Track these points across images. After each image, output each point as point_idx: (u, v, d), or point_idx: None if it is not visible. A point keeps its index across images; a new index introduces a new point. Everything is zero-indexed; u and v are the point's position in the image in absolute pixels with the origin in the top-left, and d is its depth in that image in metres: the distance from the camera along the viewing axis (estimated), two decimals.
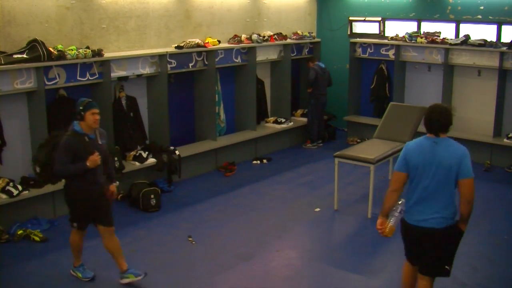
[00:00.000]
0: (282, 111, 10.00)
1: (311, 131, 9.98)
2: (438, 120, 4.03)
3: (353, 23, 10.62)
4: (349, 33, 10.69)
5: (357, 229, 6.64)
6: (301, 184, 8.09)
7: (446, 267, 4.17)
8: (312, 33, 10.58)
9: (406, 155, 4.14)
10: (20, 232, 6.07)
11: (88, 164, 4.81)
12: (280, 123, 9.76)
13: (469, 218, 4.08)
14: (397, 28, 10.06)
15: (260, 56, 9.37)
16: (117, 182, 5.41)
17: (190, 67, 8.23)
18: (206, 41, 8.37)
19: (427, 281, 4.22)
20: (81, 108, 4.85)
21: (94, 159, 4.84)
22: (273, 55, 9.75)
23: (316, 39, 10.56)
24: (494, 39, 8.86)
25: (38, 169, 5.15)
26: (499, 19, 8.89)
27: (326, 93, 9.90)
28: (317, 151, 9.85)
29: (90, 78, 6.94)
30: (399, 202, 4.27)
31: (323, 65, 9.91)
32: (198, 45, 8.13)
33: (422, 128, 8.24)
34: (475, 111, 9.20)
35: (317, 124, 9.96)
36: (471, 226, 4.57)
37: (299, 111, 10.53)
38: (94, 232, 6.34)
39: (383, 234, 4.30)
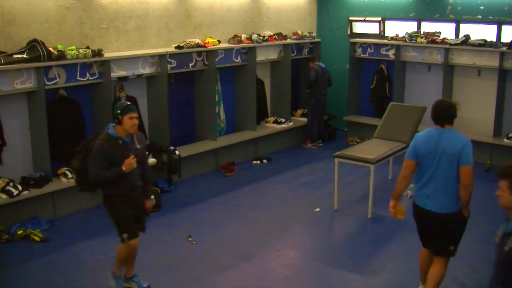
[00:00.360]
0: (282, 111, 10.00)
1: (311, 131, 9.98)
2: (443, 113, 4.42)
3: (353, 23, 10.62)
4: (349, 33, 10.69)
5: (357, 229, 6.64)
6: (301, 184, 8.09)
7: (451, 247, 4.48)
8: (312, 33, 10.58)
9: (415, 144, 4.51)
10: (20, 232, 6.06)
11: (123, 168, 4.54)
12: (280, 123, 9.76)
13: (469, 203, 4.38)
14: (397, 28, 10.05)
15: (260, 56, 9.37)
16: (153, 197, 5.09)
17: (190, 67, 8.23)
18: (206, 41, 8.37)
19: (440, 262, 4.56)
20: (118, 112, 4.58)
21: (130, 162, 4.56)
22: (273, 55, 9.75)
23: (316, 39, 10.56)
24: (494, 39, 8.86)
25: (75, 176, 4.94)
26: (499, 19, 8.89)
27: (327, 93, 9.90)
28: (317, 151, 9.85)
29: (90, 78, 6.94)
30: (409, 186, 4.63)
31: (323, 65, 9.91)
32: (198, 45, 8.13)
33: (422, 128, 8.27)
34: (475, 111, 9.20)
35: (317, 124, 9.96)
36: (471, 226, 4.63)
37: (299, 111, 10.53)
38: (95, 231, 6.38)
39: (395, 217, 4.72)
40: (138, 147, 4.77)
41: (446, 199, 4.38)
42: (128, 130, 4.62)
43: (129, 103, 4.71)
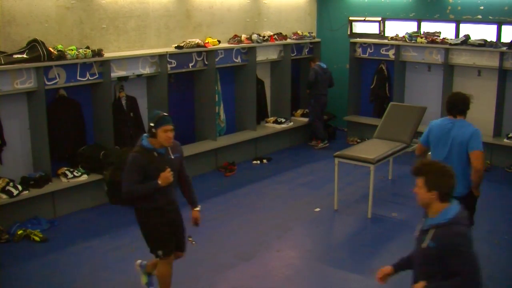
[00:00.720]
0: (282, 111, 10.00)
1: (318, 131, 9.94)
2: (457, 104, 4.84)
3: (353, 23, 10.62)
4: (349, 33, 10.69)
5: (357, 229, 6.64)
6: (301, 184, 8.09)
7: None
8: (312, 33, 10.58)
9: (429, 132, 4.98)
10: (20, 232, 6.06)
11: (159, 182, 4.24)
12: (280, 123, 9.75)
13: (479, 185, 4.80)
14: (397, 28, 10.05)
15: (260, 56, 9.37)
16: (199, 206, 4.75)
17: (190, 67, 8.23)
18: (206, 41, 8.37)
19: None
20: (152, 124, 4.24)
21: (166, 176, 4.25)
22: (273, 55, 9.75)
23: (316, 39, 10.56)
24: (494, 39, 8.86)
25: (105, 188, 4.65)
26: (499, 19, 8.88)
27: (327, 93, 9.87)
28: (317, 151, 9.85)
29: (90, 78, 6.94)
30: (429, 154, 5.14)
31: (324, 66, 9.87)
32: (198, 45, 8.12)
33: (422, 128, 8.25)
34: (475, 111, 9.12)
35: (320, 123, 9.93)
36: None
37: (299, 111, 10.52)
38: (95, 231, 6.38)
39: None
40: (173, 157, 4.42)
41: (461, 185, 4.59)
42: (162, 144, 4.29)
43: (165, 114, 4.34)
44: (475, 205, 4.99)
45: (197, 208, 4.70)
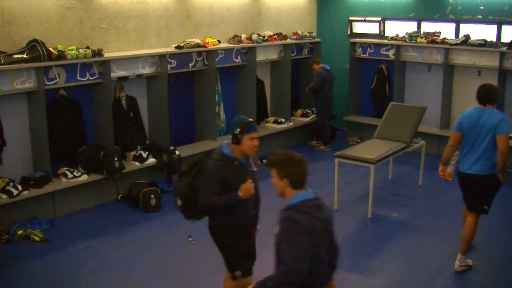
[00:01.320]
0: (282, 111, 10.00)
1: (324, 134, 9.91)
2: (486, 94, 5.30)
3: (353, 23, 10.62)
4: (349, 33, 10.69)
5: (357, 229, 6.64)
6: None
7: (485, 206, 5.34)
8: (312, 33, 10.58)
9: (461, 119, 5.37)
10: (20, 232, 6.06)
11: (240, 194, 3.93)
12: (280, 123, 9.75)
13: (504, 169, 5.18)
14: (397, 28, 10.05)
15: (260, 56, 9.37)
16: (260, 227, 4.48)
17: (190, 67, 8.23)
18: (206, 41, 8.37)
19: (473, 217, 5.40)
20: (238, 130, 3.93)
21: (248, 187, 3.96)
22: (273, 55, 9.75)
23: (316, 39, 10.56)
24: (494, 39, 8.86)
25: (179, 202, 4.15)
26: (499, 19, 8.89)
27: (332, 95, 9.83)
28: (317, 151, 9.84)
29: (90, 78, 6.94)
30: (455, 154, 5.46)
31: (328, 67, 9.78)
32: (198, 45, 8.12)
33: (422, 128, 8.29)
34: None
35: (328, 127, 9.91)
36: None
37: (299, 111, 10.51)
38: (95, 231, 6.39)
39: (444, 179, 5.53)
40: (255, 169, 4.19)
41: (484, 164, 5.20)
42: (246, 152, 4.03)
43: (251, 119, 4.06)
44: (495, 192, 5.34)
45: (258, 227, 4.49)
